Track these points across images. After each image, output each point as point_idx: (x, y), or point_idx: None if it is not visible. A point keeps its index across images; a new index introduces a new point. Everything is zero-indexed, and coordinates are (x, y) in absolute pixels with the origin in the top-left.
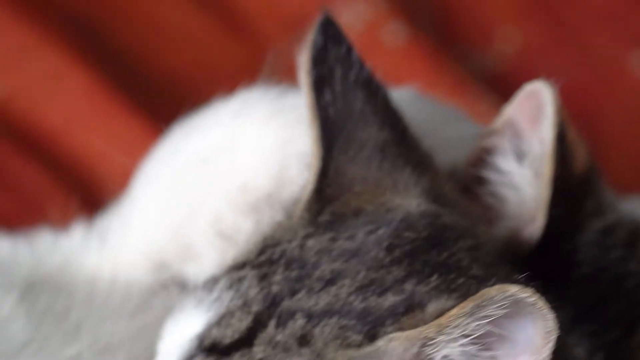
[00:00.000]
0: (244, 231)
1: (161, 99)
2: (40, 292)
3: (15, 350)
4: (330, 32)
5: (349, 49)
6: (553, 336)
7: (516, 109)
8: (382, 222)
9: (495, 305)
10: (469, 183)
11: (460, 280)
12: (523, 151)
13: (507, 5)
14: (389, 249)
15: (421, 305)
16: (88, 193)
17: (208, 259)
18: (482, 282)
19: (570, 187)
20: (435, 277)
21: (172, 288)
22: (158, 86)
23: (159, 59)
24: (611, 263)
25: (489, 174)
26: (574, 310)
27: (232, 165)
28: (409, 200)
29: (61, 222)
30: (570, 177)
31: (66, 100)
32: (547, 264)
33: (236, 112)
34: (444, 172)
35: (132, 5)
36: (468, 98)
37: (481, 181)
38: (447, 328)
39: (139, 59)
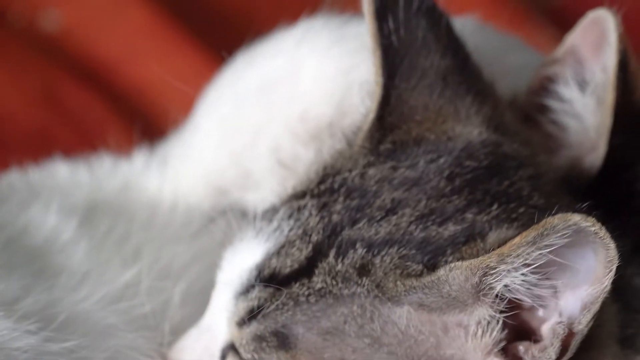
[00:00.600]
0: (304, 160)
1: (223, 29)
2: (101, 217)
3: (76, 276)
4: None
5: None
6: (614, 266)
7: (579, 37)
8: (443, 151)
9: (557, 235)
10: (530, 111)
11: (521, 210)
12: (585, 79)
13: None
14: (450, 178)
15: (482, 235)
16: (149, 122)
17: (267, 187)
18: (543, 211)
19: (632, 117)
20: (495, 206)
21: (231, 215)
22: (220, 16)
23: None
24: None
25: (550, 103)
26: (634, 240)
27: (294, 93)
28: (470, 129)
29: (122, 150)
30: (631, 106)
31: (126, 30)
32: (607, 193)
33: (298, 40)
34: (505, 101)
35: None
36: (527, 30)
37: (543, 109)
38: (509, 257)
39: None
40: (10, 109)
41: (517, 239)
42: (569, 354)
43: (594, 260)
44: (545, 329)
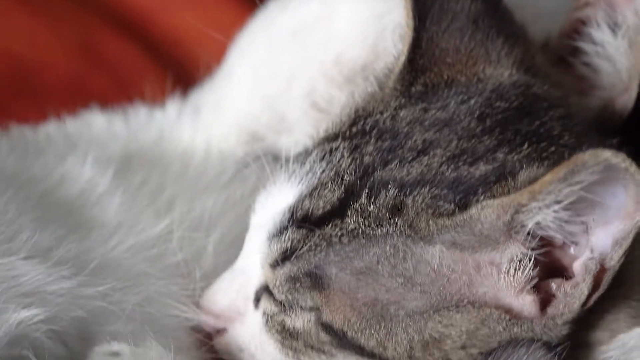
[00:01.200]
0: (337, 103)
1: None
2: (136, 168)
3: (110, 226)
4: None
5: None
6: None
7: None
8: (473, 92)
9: (588, 171)
10: (562, 54)
11: (552, 149)
12: (617, 22)
13: None
14: (481, 118)
15: (513, 174)
16: (182, 71)
17: (301, 130)
18: (574, 150)
19: None
20: (526, 145)
21: (264, 160)
22: None
23: None
24: None
25: (582, 45)
26: None
27: (328, 37)
28: (501, 71)
29: (156, 99)
30: None
31: None
32: (638, 134)
33: None
34: (537, 44)
35: None
36: None
37: (575, 52)
38: (540, 194)
39: None
40: (48, 59)
41: (547, 176)
42: (601, 290)
43: (625, 196)
44: (577, 266)
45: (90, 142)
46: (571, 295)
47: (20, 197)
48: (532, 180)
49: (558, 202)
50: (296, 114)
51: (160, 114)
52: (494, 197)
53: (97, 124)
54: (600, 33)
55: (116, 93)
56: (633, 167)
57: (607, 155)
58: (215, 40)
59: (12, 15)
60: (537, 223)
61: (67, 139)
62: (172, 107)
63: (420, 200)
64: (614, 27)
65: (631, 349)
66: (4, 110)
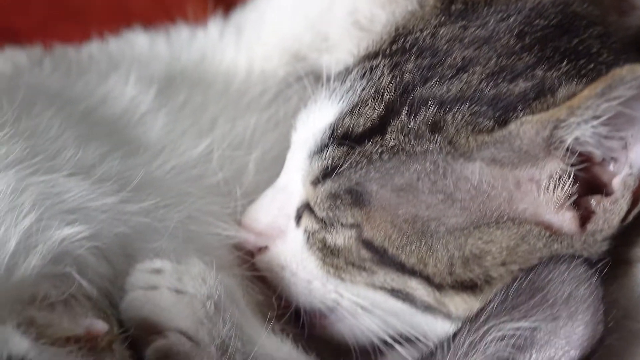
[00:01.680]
0: (379, 22)
1: None
2: (178, 87)
3: (153, 145)
4: None
5: None
6: None
7: None
8: (513, 10)
9: (626, 86)
10: None
11: (590, 66)
12: None
13: None
14: (520, 36)
15: (552, 90)
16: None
17: (342, 49)
18: (612, 67)
19: None
20: (565, 63)
21: (306, 80)
22: None
23: None
24: None
25: None
26: None
27: None
28: None
29: (198, 19)
30: None
31: None
32: None
33: None
34: None
35: None
36: None
37: None
38: (579, 110)
39: None
40: None
41: (585, 92)
42: None
43: None
44: (616, 182)
45: (133, 62)
46: (610, 212)
47: (63, 115)
48: (571, 96)
49: (596, 117)
50: (338, 33)
51: (203, 34)
52: (533, 113)
53: (139, 43)
54: None
55: (158, 13)
56: None
57: None
58: None
59: None
60: (576, 139)
61: (109, 58)
62: (215, 27)
63: (460, 117)
64: None
65: None
66: (48, 31)
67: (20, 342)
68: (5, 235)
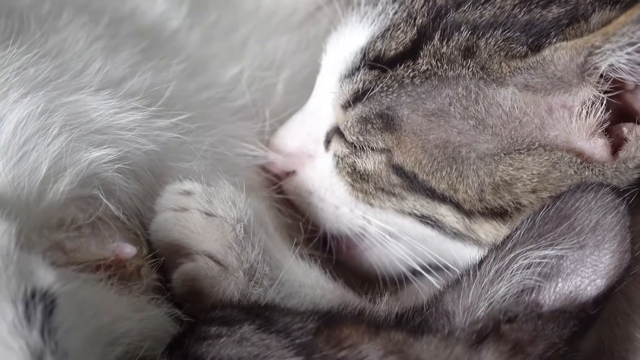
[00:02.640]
0: None
1: None
2: (209, 6)
3: (185, 64)
4: None
5: None
6: None
7: None
8: None
9: None
10: None
11: None
12: None
13: None
14: None
15: (585, 16)
16: None
17: None
18: None
19: None
20: None
21: (337, 3)
22: None
23: None
24: None
25: None
26: None
27: None
28: None
29: None
30: None
31: None
32: None
33: None
34: None
35: None
36: None
37: None
38: (614, 36)
39: None
40: None
41: (621, 18)
42: None
43: None
44: None
45: None
46: None
47: (90, 27)
48: (606, 23)
49: (632, 44)
50: None
51: None
52: (567, 39)
53: None
54: None
55: None
56: None
57: None
58: None
59: None
60: (611, 65)
61: None
62: None
63: (492, 43)
64: None
65: None
66: None
67: (45, 275)
68: (37, 160)
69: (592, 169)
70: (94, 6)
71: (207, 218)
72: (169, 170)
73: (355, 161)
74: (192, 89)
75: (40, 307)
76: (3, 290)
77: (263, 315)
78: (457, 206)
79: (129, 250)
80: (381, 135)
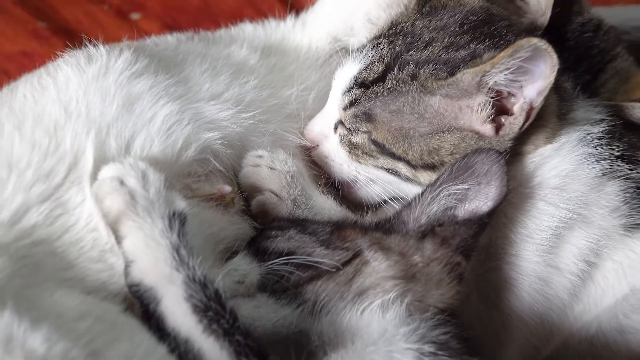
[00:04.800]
0: (382, 19)
1: None
2: (271, 54)
3: (259, 84)
4: None
5: None
6: (556, 69)
7: None
8: (457, 11)
9: (524, 50)
10: None
11: (501, 42)
12: None
13: None
14: (461, 25)
15: (480, 55)
16: (297, 3)
17: (361, 35)
18: (514, 42)
19: None
20: (487, 40)
21: (340, 52)
22: None
23: None
24: (585, 39)
25: None
26: (564, 64)
27: None
28: (474, 0)
29: (281, 16)
30: None
31: None
32: (550, 39)
33: None
34: None
35: None
36: None
37: None
38: (497, 65)
39: None
40: None
41: (501, 54)
42: (530, 120)
43: (544, 66)
44: (516, 107)
45: (245, 39)
46: (513, 124)
47: (204, 65)
48: (492, 58)
49: (507, 69)
50: (359, 26)
51: (283, 24)
52: (470, 68)
53: (247, 29)
54: None
55: (257, 15)
56: (550, 48)
57: (535, 40)
58: None
59: None
60: (495, 82)
61: (230, 36)
62: (290, 21)
63: (427, 71)
64: None
65: (545, 158)
66: (197, 26)
67: (180, 203)
68: (176, 138)
69: (484, 141)
70: (207, 54)
71: (271, 170)
72: (249, 143)
73: (351, 138)
74: (262, 97)
75: (177, 220)
76: (157, 211)
77: (301, 224)
78: (408, 163)
79: (227, 188)
80: (364, 124)
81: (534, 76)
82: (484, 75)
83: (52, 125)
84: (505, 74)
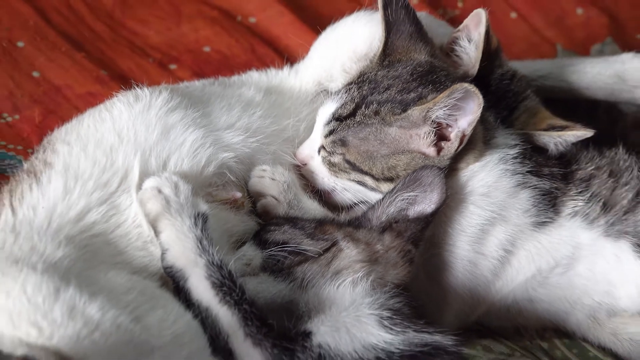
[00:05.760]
0: (354, 70)
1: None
2: (272, 94)
3: (261, 116)
4: None
5: None
6: (481, 106)
7: (468, 20)
8: (409, 64)
9: (458, 92)
10: (447, 51)
11: (442, 87)
12: (471, 37)
13: None
14: (412, 74)
15: (425, 96)
16: (292, 58)
17: (339, 81)
18: (451, 86)
19: (489, 54)
20: (430, 85)
21: (322, 94)
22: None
23: None
24: (504, 85)
25: (456, 47)
26: (488, 103)
27: (351, 42)
28: (421, 56)
29: (279, 66)
30: (489, 49)
31: None
32: (477, 85)
33: (354, 19)
34: (437, 46)
35: None
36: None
37: (452, 50)
38: (438, 103)
39: None
40: (232, 54)
41: (441, 95)
42: (462, 145)
43: (473, 104)
44: (452, 135)
45: (252, 82)
46: (450, 147)
47: (222, 102)
48: (434, 98)
49: (445, 106)
50: (336, 74)
51: (281, 72)
52: (418, 105)
53: (254, 75)
54: (464, 42)
55: (253, 63)
56: (477, 90)
57: (466, 84)
58: (306, 47)
59: (220, 34)
60: (436, 116)
61: (242, 81)
62: (286, 69)
63: (387, 109)
64: (469, 39)
65: (474, 172)
66: (218, 74)
67: (203, 205)
68: (200, 157)
69: (429, 160)
70: (224, 94)
71: (272, 181)
72: (256, 160)
73: (330, 159)
74: (265, 125)
75: (200, 219)
76: (185, 212)
77: (293, 221)
78: (373, 177)
79: (239, 194)
80: (340, 148)
81: (466, 112)
82: (428, 111)
83: (109, 148)
84: (444, 110)
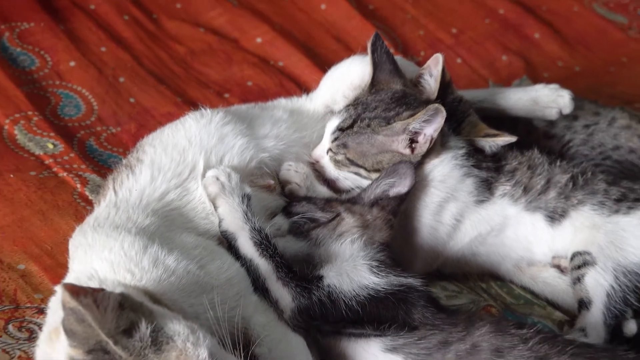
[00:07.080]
0: (352, 96)
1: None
2: (294, 114)
3: (290, 130)
4: (378, 39)
5: (383, 43)
6: (444, 119)
7: (430, 61)
8: (390, 91)
9: (431, 110)
10: (415, 83)
11: (412, 107)
12: (432, 73)
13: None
14: (392, 98)
15: (401, 114)
16: (306, 88)
17: (341, 104)
18: (422, 107)
19: (444, 85)
20: (404, 106)
21: (329, 114)
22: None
23: None
24: (454, 107)
25: (421, 80)
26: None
27: (350, 76)
28: (397, 86)
29: (297, 94)
30: (444, 81)
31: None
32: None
33: (351, 62)
34: (408, 79)
35: None
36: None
37: (419, 82)
38: (415, 119)
39: None
40: (267, 86)
41: (420, 113)
42: (429, 146)
43: (439, 117)
44: (421, 139)
45: (280, 106)
46: (421, 147)
47: (260, 121)
48: (410, 115)
49: (422, 120)
50: (339, 99)
51: (301, 99)
52: (397, 121)
53: (282, 101)
54: (427, 77)
55: (287, 94)
56: (442, 108)
57: (436, 105)
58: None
59: (258, 73)
60: (413, 127)
61: (274, 105)
62: (304, 97)
63: (376, 122)
64: (431, 75)
65: (435, 166)
66: (258, 100)
67: (247, 188)
68: (246, 158)
69: (405, 157)
70: (261, 114)
71: (295, 172)
72: (284, 158)
73: (335, 157)
74: (289, 134)
75: (246, 198)
76: (235, 193)
77: (309, 199)
78: (365, 169)
79: (272, 182)
80: (342, 149)
81: (433, 123)
82: (408, 125)
83: (182, 149)
84: (419, 123)
